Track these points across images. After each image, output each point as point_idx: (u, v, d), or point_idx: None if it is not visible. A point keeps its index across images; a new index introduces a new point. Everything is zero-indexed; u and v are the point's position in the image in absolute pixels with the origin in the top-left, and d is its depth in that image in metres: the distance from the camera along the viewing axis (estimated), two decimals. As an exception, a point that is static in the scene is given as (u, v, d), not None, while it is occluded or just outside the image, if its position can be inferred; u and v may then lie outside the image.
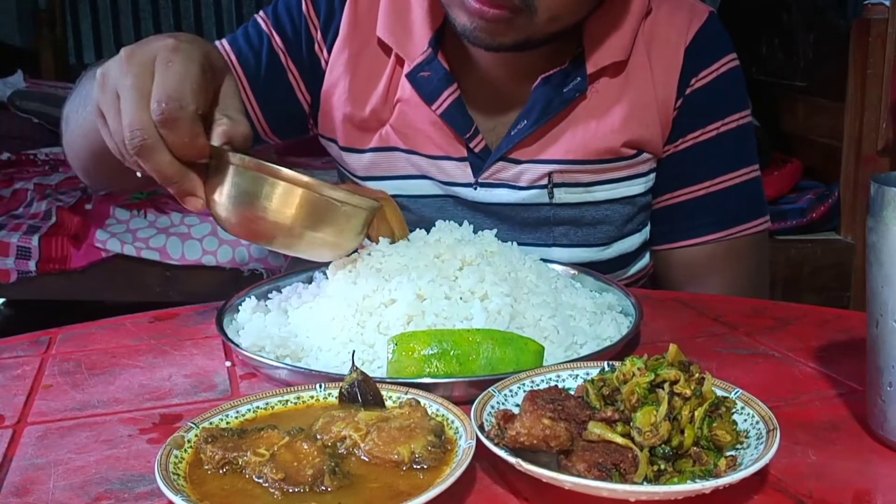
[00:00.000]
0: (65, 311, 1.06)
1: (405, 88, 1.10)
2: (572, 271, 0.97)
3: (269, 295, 0.92)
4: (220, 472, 0.56)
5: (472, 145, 1.09)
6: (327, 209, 0.77)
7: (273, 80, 1.15)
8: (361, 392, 0.64)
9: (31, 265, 2.58)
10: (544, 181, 1.08)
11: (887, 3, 2.18)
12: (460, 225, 0.91)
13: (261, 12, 1.18)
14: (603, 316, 0.84)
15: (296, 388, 0.67)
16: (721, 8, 3.29)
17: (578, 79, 1.06)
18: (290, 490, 0.54)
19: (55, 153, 3.61)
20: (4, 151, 3.56)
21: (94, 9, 4.74)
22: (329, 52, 1.14)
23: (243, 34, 1.17)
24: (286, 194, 0.76)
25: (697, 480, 0.55)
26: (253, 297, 0.90)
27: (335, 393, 0.66)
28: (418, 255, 0.83)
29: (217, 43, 1.17)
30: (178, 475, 0.55)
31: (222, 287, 2.53)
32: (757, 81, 2.85)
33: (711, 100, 1.10)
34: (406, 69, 1.09)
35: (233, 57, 1.15)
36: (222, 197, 0.77)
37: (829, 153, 2.45)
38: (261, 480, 0.55)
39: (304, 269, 0.96)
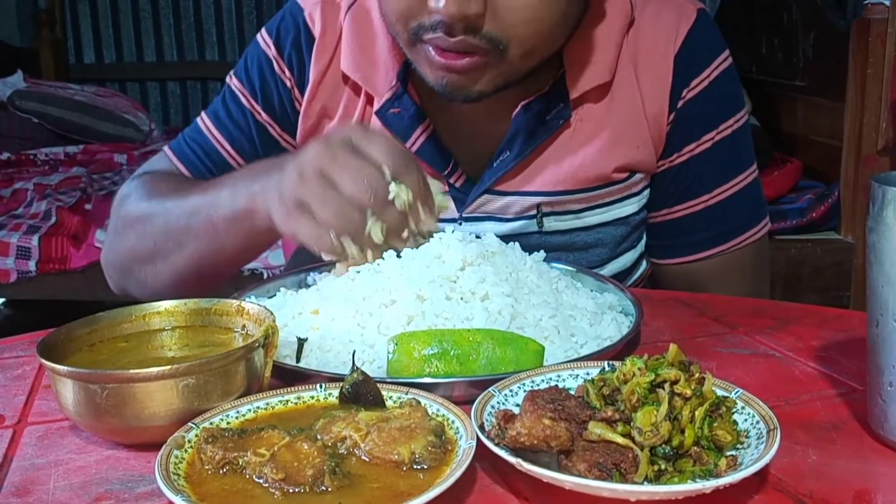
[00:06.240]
0: (65, 311, 1.06)
1: (376, 127, 1.03)
2: (573, 270, 0.97)
3: (269, 295, 0.92)
4: (221, 472, 0.56)
5: (451, 180, 1.04)
6: None
7: (270, 154, 1.08)
8: (362, 392, 0.64)
9: (31, 265, 2.58)
10: (533, 211, 1.04)
11: (887, 3, 2.18)
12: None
13: (234, 80, 1.12)
14: (603, 316, 0.84)
15: (296, 388, 0.67)
16: (721, 7, 3.29)
17: (561, 105, 1.00)
18: (291, 490, 0.54)
19: (55, 153, 3.62)
20: (4, 151, 3.57)
21: (94, 9, 4.74)
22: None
23: (226, 114, 1.11)
24: None
25: (698, 480, 0.55)
26: (253, 297, 0.90)
27: (335, 393, 0.66)
28: (419, 256, 0.82)
29: (200, 123, 1.12)
30: (179, 475, 0.55)
31: (222, 287, 2.52)
32: (757, 81, 2.85)
33: (705, 109, 1.05)
34: (375, 106, 1.03)
35: (227, 146, 1.11)
36: None
37: (829, 153, 2.44)
38: (261, 481, 0.55)
39: (304, 268, 0.97)
